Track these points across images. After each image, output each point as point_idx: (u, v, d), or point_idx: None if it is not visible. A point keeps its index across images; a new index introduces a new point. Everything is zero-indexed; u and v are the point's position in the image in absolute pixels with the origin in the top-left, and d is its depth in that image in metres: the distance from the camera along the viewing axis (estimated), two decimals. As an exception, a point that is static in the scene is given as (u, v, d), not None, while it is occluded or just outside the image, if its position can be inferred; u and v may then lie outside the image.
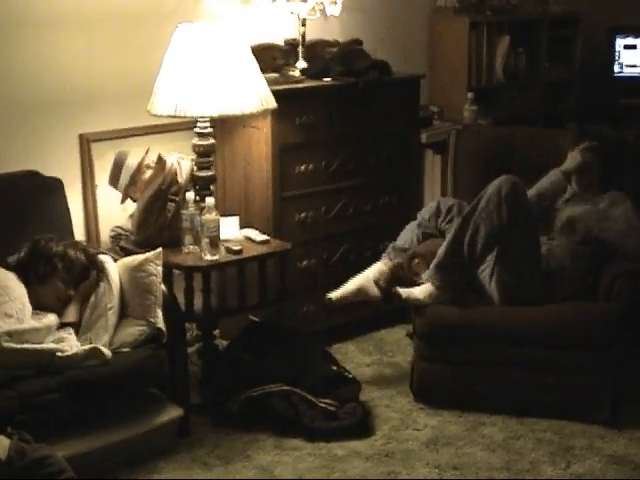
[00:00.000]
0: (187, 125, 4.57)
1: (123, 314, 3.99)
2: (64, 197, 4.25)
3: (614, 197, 4.57)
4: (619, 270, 4.31)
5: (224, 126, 4.82)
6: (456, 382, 4.36)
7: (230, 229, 4.46)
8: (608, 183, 4.62)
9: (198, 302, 4.26)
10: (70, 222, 4.31)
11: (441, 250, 4.36)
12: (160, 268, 4.04)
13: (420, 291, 4.36)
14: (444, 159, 5.51)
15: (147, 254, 4.05)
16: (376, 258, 5.13)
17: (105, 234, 4.62)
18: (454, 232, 4.36)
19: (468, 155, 4.87)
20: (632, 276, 4.27)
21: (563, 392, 4.25)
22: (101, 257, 4.03)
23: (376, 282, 4.53)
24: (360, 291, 4.56)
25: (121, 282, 4.00)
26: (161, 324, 3.98)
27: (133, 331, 3.93)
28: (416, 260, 4.50)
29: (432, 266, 4.36)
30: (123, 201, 4.56)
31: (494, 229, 4.26)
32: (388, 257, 4.68)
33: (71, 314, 3.91)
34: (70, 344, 3.75)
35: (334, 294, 4.53)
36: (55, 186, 4.25)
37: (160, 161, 4.39)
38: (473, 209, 4.33)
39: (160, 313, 4.01)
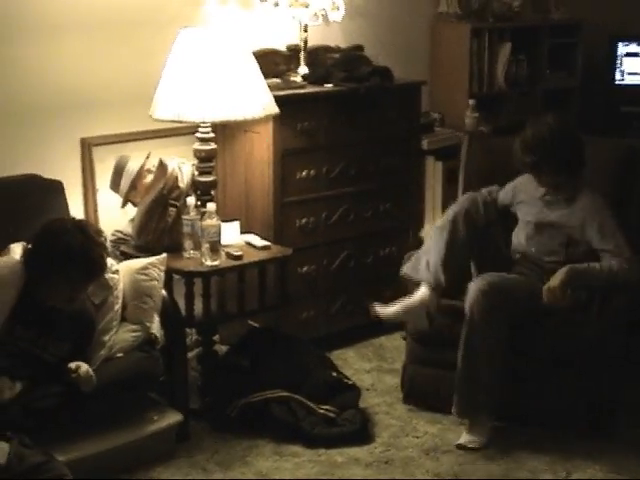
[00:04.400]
0: (188, 130, 4.56)
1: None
2: (65, 200, 4.24)
3: (587, 207, 4.23)
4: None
5: (225, 131, 4.81)
6: (448, 387, 4.29)
7: (231, 234, 4.46)
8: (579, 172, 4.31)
9: (198, 307, 4.25)
10: (70, 226, 4.28)
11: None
12: (162, 274, 4.04)
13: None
14: (445, 166, 5.52)
15: (151, 258, 4.05)
16: (377, 265, 5.15)
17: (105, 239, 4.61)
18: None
19: (479, 163, 4.83)
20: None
21: (559, 400, 4.24)
22: (110, 263, 3.96)
23: (427, 312, 4.31)
24: (407, 317, 4.38)
25: (122, 286, 4.00)
26: (156, 330, 3.99)
27: (127, 337, 3.93)
28: None
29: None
30: (124, 205, 4.55)
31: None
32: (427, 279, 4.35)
33: None
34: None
35: (383, 312, 4.34)
36: (56, 189, 4.23)
37: (161, 166, 4.39)
38: None
39: (157, 318, 4.01)
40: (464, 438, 4.15)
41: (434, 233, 4.36)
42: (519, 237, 4.41)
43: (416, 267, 4.34)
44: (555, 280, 4.09)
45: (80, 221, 3.87)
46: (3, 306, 3.56)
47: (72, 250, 3.59)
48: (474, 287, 4.15)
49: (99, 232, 3.81)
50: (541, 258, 4.32)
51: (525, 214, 4.40)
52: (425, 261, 4.30)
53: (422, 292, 4.26)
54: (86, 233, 3.67)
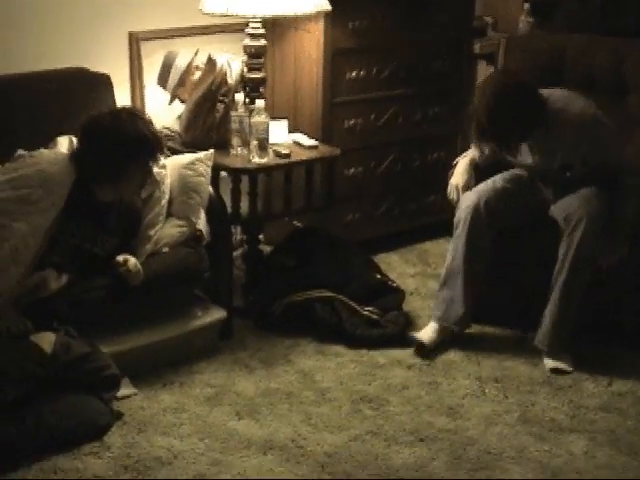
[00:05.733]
0: (238, 27, 4.52)
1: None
2: (112, 94, 4.21)
3: (572, 128, 4.04)
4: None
5: (275, 29, 4.75)
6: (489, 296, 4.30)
7: (279, 133, 4.42)
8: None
9: (244, 205, 4.25)
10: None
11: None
12: (209, 169, 4.03)
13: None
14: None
15: (199, 154, 4.03)
16: (424, 170, 5.10)
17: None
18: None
19: (519, 65, 4.71)
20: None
21: (604, 312, 4.20)
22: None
23: None
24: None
25: (169, 181, 3.99)
26: (202, 226, 3.99)
27: (173, 232, 3.93)
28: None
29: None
30: (171, 102, 4.53)
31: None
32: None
33: None
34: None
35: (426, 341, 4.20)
36: (103, 83, 4.20)
37: (210, 61, 4.34)
38: None
39: (203, 215, 4.01)
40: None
41: (450, 252, 4.24)
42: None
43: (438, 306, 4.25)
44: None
45: (129, 108, 3.87)
46: (56, 203, 3.55)
47: (140, 135, 3.58)
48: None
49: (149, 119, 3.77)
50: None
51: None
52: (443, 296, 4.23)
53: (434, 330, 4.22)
54: (140, 117, 3.67)
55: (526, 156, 4.18)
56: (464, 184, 4.28)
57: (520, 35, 5.48)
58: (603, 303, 4.17)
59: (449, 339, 4.20)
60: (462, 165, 4.34)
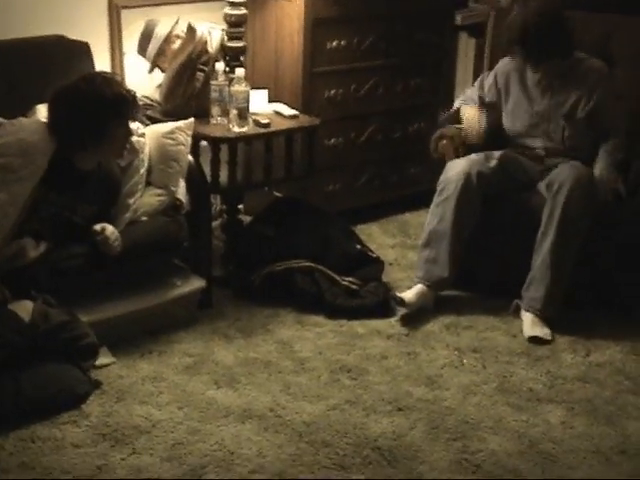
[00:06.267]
0: (218, -5, 4.49)
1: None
2: (91, 62, 4.18)
3: (584, 80, 4.24)
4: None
5: (256, -2, 4.73)
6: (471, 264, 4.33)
7: (259, 102, 4.41)
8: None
9: (224, 174, 4.24)
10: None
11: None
12: (189, 139, 4.02)
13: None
14: (478, 42, 5.41)
15: (178, 123, 4.01)
16: (405, 141, 5.10)
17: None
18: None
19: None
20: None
21: (580, 279, 4.20)
22: (137, 126, 3.93)
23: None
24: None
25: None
26: (181, 195, 3.98)
27: (152, 201, 3.92)
28: (444, 141, 4.42)
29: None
30: (151, 70, 4.50)
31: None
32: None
33: None
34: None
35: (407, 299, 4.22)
36: (82, 51, 4.17)
37: (190, 30, 4.32)
38: None
39: (182, 183, 4.00)
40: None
41: (433, 215, 4.28)
42: (514, 124, 4.39)
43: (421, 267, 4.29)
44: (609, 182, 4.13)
45: (100, 72, 3.91)
46: (36, 172, 3.53)
47: (117, 94, 3.61)
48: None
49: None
50: (536, 144, 4.34)
51: (518, 105, 4.36)
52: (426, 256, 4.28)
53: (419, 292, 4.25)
54: (112, 78, 3.72)
55: (538, 99, 4.29)
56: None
57: (509, 9, 5.45)
58: (584, 273, 4.18)
59: (431, 306, 4.23)
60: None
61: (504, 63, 4.43)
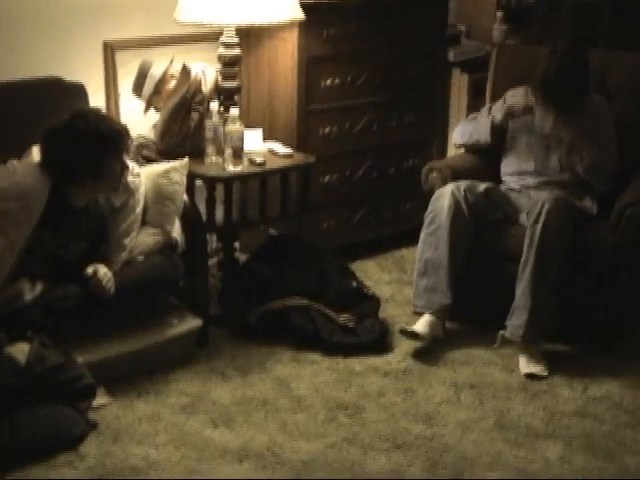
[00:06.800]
0: (213, 36, 4.51)
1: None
2: (87, 103, 4.19)
3: (596, 112, 4.37)
4: (630, 199, 4.19)
5: (250, 38, 4.74)
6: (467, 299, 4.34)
7: (253, 141, 4.43)
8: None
9: (219, 213, 4.24)
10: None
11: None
12: (184, 178, 4.04)
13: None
14: (471, 78, 5.45)
15: (174, 162, 4.03)
16: (399, 177, 5.12)
17: (128, 143, 4.59)
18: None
19: (507, 74, 4.74)
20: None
21: (577, 316, 4.24)
22: (132, 166, 3.94)
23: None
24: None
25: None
26: (177, 234, 3.99)
27: (148, 240, 3.93)
28: (434, 174, 4.45)
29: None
30: (146, 110, 4.52)
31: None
32: None
33: None
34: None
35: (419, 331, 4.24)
36: (78, 92, 4.19)
37: (185, 70, 4.34)
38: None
39: (178, 223, 4.01)
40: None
41: (426, 244, 4.31)
42: (512, 163, 4.47)
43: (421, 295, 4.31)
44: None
45: (90, 108, 3.95)
46: (33, 215, 3.55)
47: (110, 127, 3.67)
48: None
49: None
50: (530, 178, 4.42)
51: (524, 142, 4.45)
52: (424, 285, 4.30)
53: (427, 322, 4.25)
54: (102, 113, 3.81)
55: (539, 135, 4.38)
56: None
57: (509, 44, 5.51)
58: (576, 307, 4.21)
59: (441, 335, 4.26)
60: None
61: (512, 93, 4.49)
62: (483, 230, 4.31)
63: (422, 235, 4.31)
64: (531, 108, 4.35)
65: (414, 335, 4.17)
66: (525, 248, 4.09)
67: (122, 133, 3.69)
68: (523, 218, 4.26)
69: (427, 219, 4.29)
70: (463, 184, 4.29)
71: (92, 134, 3.61)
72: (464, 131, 4.63)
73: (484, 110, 4.61)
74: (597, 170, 4.27)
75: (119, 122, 3.80)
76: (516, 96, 4.45)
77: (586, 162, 4.25)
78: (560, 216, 4.07)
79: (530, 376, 4.02)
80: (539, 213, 4.07)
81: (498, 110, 4.50)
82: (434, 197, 4.30)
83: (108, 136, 3.63)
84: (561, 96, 4.24)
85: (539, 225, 4.05)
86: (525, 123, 4.43)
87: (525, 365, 4.06)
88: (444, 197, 4.25)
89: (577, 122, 4.28)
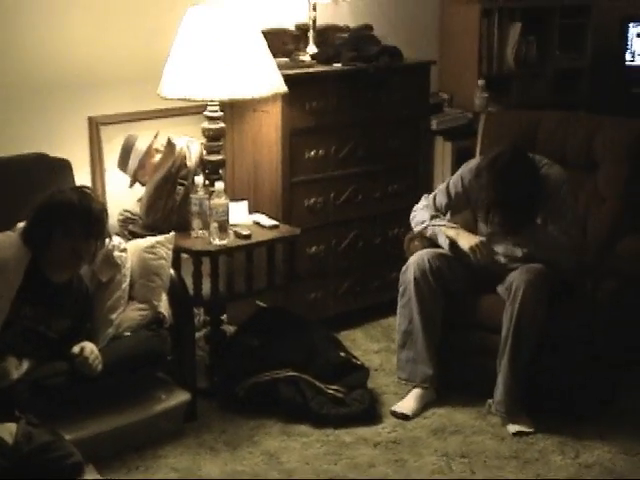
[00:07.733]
0: (197, 109, 4.55)
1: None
2: (72, 180, 4.21)
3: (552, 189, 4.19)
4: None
5: (234, 110, 4.80)
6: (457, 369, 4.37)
7: (239, 214, 4.45)
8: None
9: (206, 287, 4.24)
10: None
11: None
12: (170, 252, 4.03)
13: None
14: (454, 146, 5.50)
15: (159, 237, 4.04)
16: (385, 246, 5.14)
17: (113, 218, 4.58)
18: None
19: (496, 139, 4.77)
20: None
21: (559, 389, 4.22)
22: (119, 241, 3.95)
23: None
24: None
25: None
26: (164, 309, 3.98)
27: (135, 316, 3.92)
28: (415, 242, 4.47)
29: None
30: (132, 185, 4.54)
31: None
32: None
33: None
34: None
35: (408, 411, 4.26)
36: (63, 168, 4.20)
37: (169, 144, 4.37)
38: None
39: (165, 297, 4.00)
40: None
41: (402, 316, 4.34)
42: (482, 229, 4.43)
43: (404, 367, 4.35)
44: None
45: (79, 186, 3.87)
46: (10, 287, 3.53)
47: (70, 204, 3.60)
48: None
49: (99, 199, 3.82)
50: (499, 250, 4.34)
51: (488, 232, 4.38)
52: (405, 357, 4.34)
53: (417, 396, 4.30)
54: (85, 193, 3.70)
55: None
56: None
57: (495, 111, 5.56)
58: (559, 379, 4.19)
59: (434, 399, 4.29)
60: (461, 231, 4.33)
61: (468, 169, 4.38)
62: (456, 297, 4.32)
63: (398, 308, 4.34)
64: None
65: (404, 416, 4.19)
66: (505, 323, 4.09)
67: (101, 211, 3.66)
68: (500, 290, 4.23)
69: (400, 290, 4.32)
70: (427, 254, 4.28)
71: (50, 207, 3.60)
72: (422, 219, 4.46)
73: (436, 195, 4.49)
74: (558, 262, 4.18)
75: (100, 205, 3.71)
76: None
77: (546, 261, 4.18)
78: (536, 296, 4.06)
79: (518, 434, 4.04)
80: (515, 294, 4.07)
81: (444, 194, 4.43)
82: (403, 269, 4.32)
83: (62, 212, 3.59)
84: (514, 214, 4.12)
85: (516, 305, 4.05)
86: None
87: (512, 427, 4.09)
88: (409, 269, 4.27)
89: (529, 234, 4.21)
